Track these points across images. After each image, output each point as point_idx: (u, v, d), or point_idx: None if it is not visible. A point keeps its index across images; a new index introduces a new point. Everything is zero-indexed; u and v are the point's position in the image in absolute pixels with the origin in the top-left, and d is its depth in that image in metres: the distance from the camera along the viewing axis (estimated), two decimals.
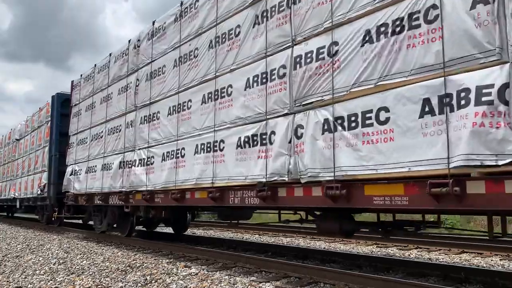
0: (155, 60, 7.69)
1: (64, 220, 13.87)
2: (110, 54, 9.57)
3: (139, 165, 7.78)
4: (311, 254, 6.88)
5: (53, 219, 14.01)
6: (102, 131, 9.50)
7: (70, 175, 10.93)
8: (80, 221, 15.28)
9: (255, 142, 5.14)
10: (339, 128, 4.10)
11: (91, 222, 15.21)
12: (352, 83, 4.05)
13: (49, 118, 13.50)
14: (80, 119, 10.90)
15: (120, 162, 8.45)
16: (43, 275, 5.49)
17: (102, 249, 7.95)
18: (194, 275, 5.14)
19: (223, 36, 5.95)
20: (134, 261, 6.33)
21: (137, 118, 8.07)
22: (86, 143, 10.31)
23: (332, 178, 4.11)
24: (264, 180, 4.91)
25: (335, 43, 4.27)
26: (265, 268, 5.49)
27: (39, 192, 13.39)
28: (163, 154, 7.09)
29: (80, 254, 7.34)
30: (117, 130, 8.80)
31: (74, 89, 11.60)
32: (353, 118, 3.99)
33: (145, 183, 7.50)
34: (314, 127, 4.35)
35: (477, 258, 6.86)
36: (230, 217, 8.10)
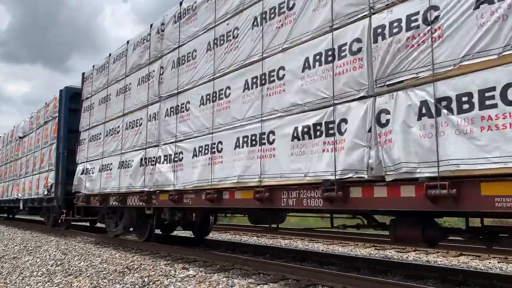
0: (184, 44, 6.86)
1: (72, 223, 13.02)
2: (128, 42, 8.75)
3: (165, 162, 6.95)
4: (309, 256, 6.79)
5: (59, 221, 13.19)
6: (118, 126, 8.67)
7: (81, 174, 10.10)
8: (88, 224, 14.54)
9: (319, 133, 4.32)
10: (444, 111, 3.28)
11: (100, 225, 14.43)
12: (462, 55, 3.23)
13: (57, 114, 12.67)
14: (92, 114, 10.07)
15: (141, 159, 7.62)
16: (40, 276, 5.43)
17: (100, 251, 7.81)
18: (192, 277, 5.10)
19: (272, 11, 5.13)
20: (132, 263, 6.22)
21: (161, 110, 7.25)
22: (99, 139, 9.48)
23: (436, 174, 3.28)
24: (332, 177, 4.08)
25: (434, 7, 3.45)
26: (263, 270, 5.42)
27: (45, 193, 12.55)
28: (195, 149, 6.26)
29: (78, 255, 7.20)
30: (137, 124, 7.97)
31: (86, 82, 10.77)
32: (465, 99, 3.17)
33: (172, 182, 6.67)
34: (406, 111, 3.53)
35: (475, 260, 6.75)
36: (263, 221, 7.29)
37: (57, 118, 12.59)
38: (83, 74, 10.96)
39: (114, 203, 8.58)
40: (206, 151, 6.01)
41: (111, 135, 8.94)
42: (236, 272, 5.54)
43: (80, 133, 10.67)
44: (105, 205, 8.99)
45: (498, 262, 6.59)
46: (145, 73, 7.89)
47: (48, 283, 5.06)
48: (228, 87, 5.75)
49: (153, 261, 6.39)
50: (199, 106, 6.30)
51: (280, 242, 9.62)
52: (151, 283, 4.82)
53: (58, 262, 6.51)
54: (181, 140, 6.65)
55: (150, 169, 7.32)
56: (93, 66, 10.38)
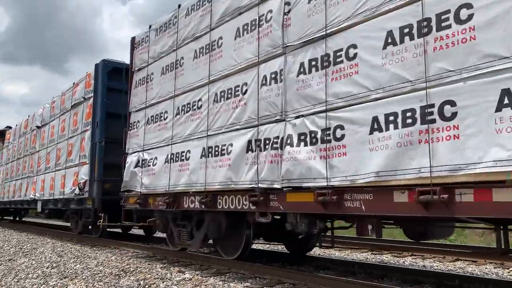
0: None
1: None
2: None
3: (301, 143, 4.48)
4: (306, 261, 6.65)
5: (90, 227, 10.72)
6: (200, 99, 6.20)
7: (135, 167, 7.60)
8: (119, 230, 12.03)
9: None
10: None
11: (136, 231, 11.91)
12: None
13: (91, 94, 10.20)
14: (150, 87, 7.58)
15: (249, 142, 5.16)
16: (36, 278, 5.40)
17: (96, 253, 7.72)
18: (188, 280, 5.06)
19: None
20: (128, 266, 6.17)
21: (290, 67, 4.78)
22: (165, 119, 7.00)
23: None
24: None
25: None
26: (259, 274, 5.32)
27: (76, 192, 10.04)
28: (375, 119, 3.80)
29: (74, 258, 7.15)
30: (237, 93, 5.50)
31: (138, 48, 8.27)
32: None
33: (322, 174, 4.20)
34: None
35: (472, 266, 6.63)
36: (429, 235, 4.83)
37: (92, 99, 10.12)
38: (133, 38, 8.46)
39: (193, 206, 6.11)
40: (410, 120, 3.54)
41: (187, 112, 6.45)
42: (232, 275, 5.41)
43: (131, 114, 8.18)
44: (177, 208, 6.51)
45: (494, 268, 6.44)
46: (252, 18, 5.43)
47: (43, 285, 5.00)
48: None
49: (149, 264, 6.33)
50: (384, 49, 3.83)
51: (277, 246, 9.07)
52: (147, 286, 4.78)
53: (54, 264, 6.43)
54: (339, 108, 4.18)
55: (269, 155, 4.85)
56: (150, 26, 7.89)
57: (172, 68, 7.00)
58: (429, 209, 3.38)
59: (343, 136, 4.10)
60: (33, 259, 7.05)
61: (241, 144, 5.28)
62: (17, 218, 21.92)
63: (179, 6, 7.06)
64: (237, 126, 5.43)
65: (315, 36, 4.52)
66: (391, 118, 3.69)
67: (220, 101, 5.79)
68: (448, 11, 3.39)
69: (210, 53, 6.12)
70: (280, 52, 4.95)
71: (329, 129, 4.23)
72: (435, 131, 3.36)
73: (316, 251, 8.22)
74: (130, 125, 8.11)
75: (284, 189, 4.67)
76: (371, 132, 3.84)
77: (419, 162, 3.42)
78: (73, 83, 11.52)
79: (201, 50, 6.34)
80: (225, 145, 5.56)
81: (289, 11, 4.89)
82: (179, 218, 6.84)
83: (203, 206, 5.85)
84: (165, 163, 6.76)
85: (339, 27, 4.28)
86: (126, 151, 8.06)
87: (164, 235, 7.79)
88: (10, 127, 19.42)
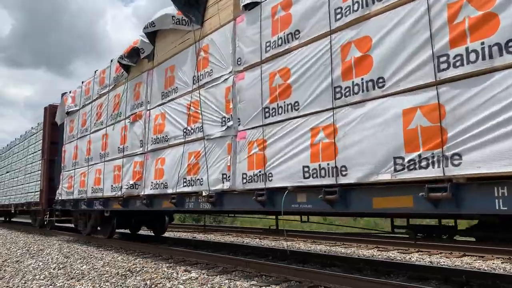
0: None
1: None
2: None
3: None
4: (312, 258, 6.54)
5: None
6: None
7: None
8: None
9: None
10: None
11: None
12: None
13: None
14: None
15: None
16: (43, 280, 5.35)
17: (102, 254, 7.62)
18: (194, 280, 5.03)
19: None
20: (134, 266, 6.13)
21: None
22: None
23: None
24: None
25: None
26: (265, 272, 5.30)
27: None
28: None
29: (80, 259, 7.10)
30: None
31: None
32: None
33: None
34: None
35: (479, 261, 6.57)
36: None
37: None
38: None
39: None
40: None
41: None
42: (238, 274, 5.37)
43: None
44: None
45: (501, 263, 6.37)
46: None
47: (50, 286, 4.96)
48: None
49: (155, 264, 6.28)
50: None
51: (283, 243, 9.17)
52: (153, 286, 4.74)
53: (61, 266, 6.39)
54: None
55: None
56: None
57: None
58: None
59: None
60: (40, 260, 7.02)
61: None
62: (157, 235, 10.20)
63: None
64: None
65: None
66: None
67: None
68: None
69: None
70: None
71: None
72: None
73: (322, 248, 8.12)
74: None
75: None
76: None
77: None
78: None
79: None
80: None
81: None
82: None
83: None
84: None
85: None
86: None
87: None
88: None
